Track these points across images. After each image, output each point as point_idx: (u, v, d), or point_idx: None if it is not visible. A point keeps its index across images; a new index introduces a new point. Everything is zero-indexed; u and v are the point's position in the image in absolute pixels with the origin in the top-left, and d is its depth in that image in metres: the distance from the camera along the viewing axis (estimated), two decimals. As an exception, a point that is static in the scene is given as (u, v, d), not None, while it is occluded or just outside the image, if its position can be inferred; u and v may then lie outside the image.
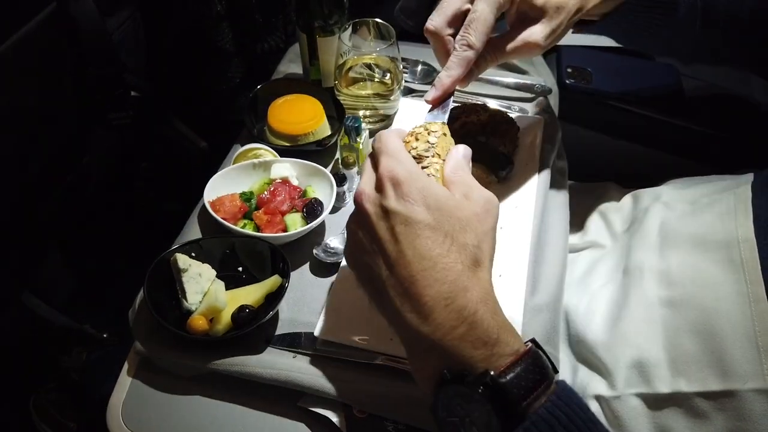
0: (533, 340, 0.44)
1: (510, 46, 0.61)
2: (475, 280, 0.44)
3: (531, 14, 0.60)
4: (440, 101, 0.60)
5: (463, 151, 0.51)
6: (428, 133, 0.53)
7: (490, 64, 0.62)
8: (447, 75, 0.59)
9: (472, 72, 0.61)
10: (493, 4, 0.58)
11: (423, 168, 0.50)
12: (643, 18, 0.65)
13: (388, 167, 0.46)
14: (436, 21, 0.60)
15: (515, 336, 0.43)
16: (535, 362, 0.42)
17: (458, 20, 0.60)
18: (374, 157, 0.49)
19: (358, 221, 0.47)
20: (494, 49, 0.61)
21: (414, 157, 0.51)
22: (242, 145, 0.79)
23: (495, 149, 0.74)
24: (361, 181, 0.48)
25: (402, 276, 0.44)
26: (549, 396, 0.40)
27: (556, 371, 0.43)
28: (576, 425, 0.40)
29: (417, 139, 0.53)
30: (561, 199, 0.77)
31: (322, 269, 0.69)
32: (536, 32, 0.60)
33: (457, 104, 0.80)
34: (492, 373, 0.40)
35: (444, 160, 0.51)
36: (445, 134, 0.54)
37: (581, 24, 0.66)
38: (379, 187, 0.46)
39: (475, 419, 0.41)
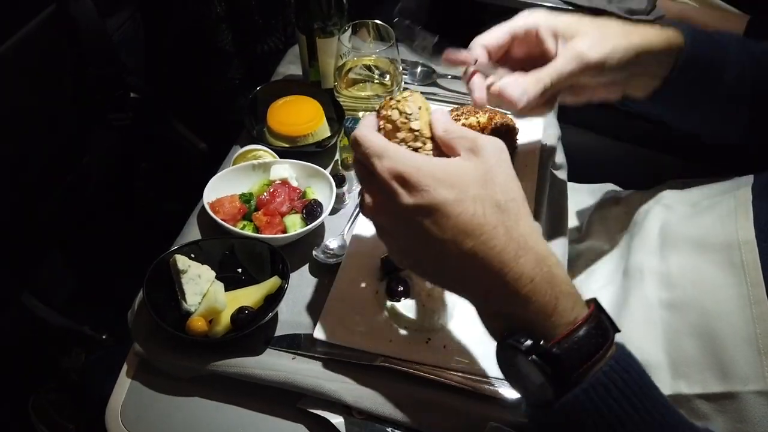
0: (595, 302, 0.44)
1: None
2: (523, 240, 0.43)
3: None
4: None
5: (439, 111, 0.50)
6: (407, 118, 0.50)
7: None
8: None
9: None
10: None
11: None
12: (689, 93, 0.62)
13: (387, 168, 0.44)
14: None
15: (575, 301, 0.43)
16: (595, 327, 0.42)
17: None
18: (365, 164, 0.47)
19: (388, 233, 0.47)
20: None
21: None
22: (242, 146, 0.79)
23: (495, 151, 0.73)
24: (365, 196, 0.47)
25: (451, 265, 0.44)
26: (607, 361, 0.41)
27: (618, 330, 0.43)
28: (632, 389, 0.40)
29: (398, 128, 0.50)
30: (560, 201, 0.77)
31: (321, 270, 0.69)
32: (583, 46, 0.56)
33: (456, 106, 0.80)
34: (542, 342, 0.41)
35: (431, 138, 0.49)
36: (420, 108, 0.50)
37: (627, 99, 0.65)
38: (388, 191, 0.45)
39: (530, 377, 0.42)
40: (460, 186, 0.43)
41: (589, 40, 0.56)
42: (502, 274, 0.42)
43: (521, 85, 0.56)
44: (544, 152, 0.78)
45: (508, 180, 0.45)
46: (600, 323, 0.42)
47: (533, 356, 0.41)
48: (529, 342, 0.41)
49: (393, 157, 0.45)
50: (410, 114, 0.50)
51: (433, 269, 0.47)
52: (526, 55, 0.61)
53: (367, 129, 0.48)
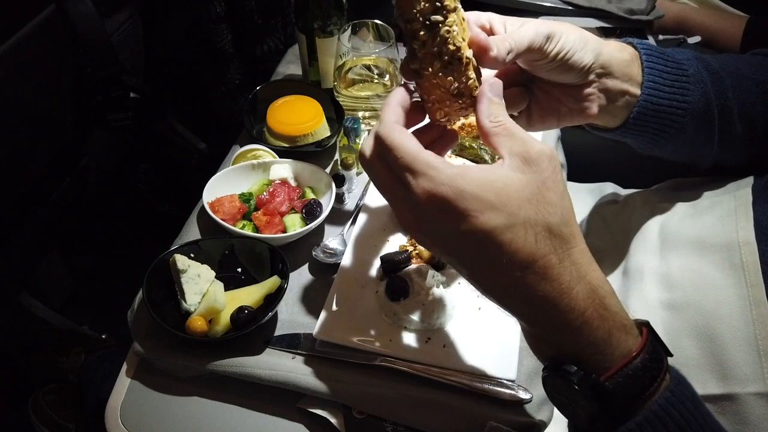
0: (648, 327, 0.42)
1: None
2: (575, 269, 0.40)
3: None
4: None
5: (490, 90, 0.44)
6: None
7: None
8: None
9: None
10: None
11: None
12: (657, 119, 0.59)
13: (426, 189, 0.39)
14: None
15: (628, 332, 0.41)
16: (650, 359, 0.40)
17: None
18: (396, 174, 0.41)
19: (434, 250, 0.44)
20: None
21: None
22: (241, 146, 0.79)
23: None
24: (398, 213, 0.43)
25: (501, 289, 0.42)
26: (662, 392, 0.39)
27: (670, 354, 0.42)
28: (687, 421, 0.39)
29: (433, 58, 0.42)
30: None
31: (321, 270, 0.69)
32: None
33: None
34: (594, 376, 0.39)
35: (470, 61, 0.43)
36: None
37: (595, 128, 0.63)
38: (428, 216, 0.40)
39: (581, 407, 0.41)
40: (509, 208, 0.39)
41: (539, 23, 0.52)
42: (552, 306, 0.40)
43: (494, 41, 0.48)
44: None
45: (562, 199, 0.40)
46: (654, 353, 0.40)
47: (585, 389, 0.39)
48: (580, 374, 0.40)
49: (433, 176, 0.39)
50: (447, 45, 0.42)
51: (481, 287, 0.43)
52: None
53: (397, 130, 0.42)
